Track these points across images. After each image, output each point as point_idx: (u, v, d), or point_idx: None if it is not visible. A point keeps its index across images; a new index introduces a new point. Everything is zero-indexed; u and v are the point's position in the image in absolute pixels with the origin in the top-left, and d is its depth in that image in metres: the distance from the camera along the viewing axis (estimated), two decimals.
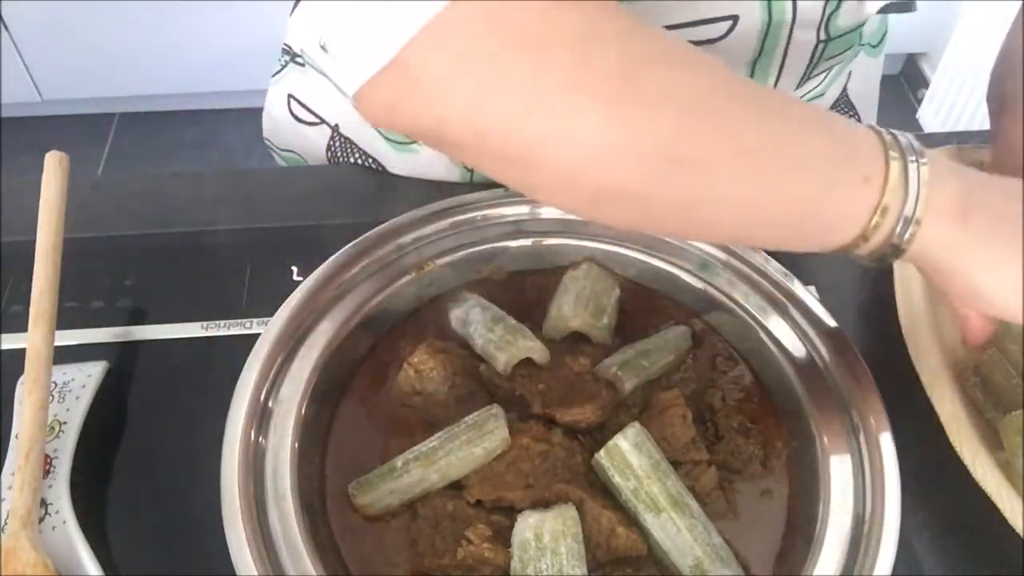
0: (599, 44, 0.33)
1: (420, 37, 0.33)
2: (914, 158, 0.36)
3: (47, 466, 0.49)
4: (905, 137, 0.37)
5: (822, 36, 0.59)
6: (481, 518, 0.46)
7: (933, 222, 0.36)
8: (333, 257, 0.55)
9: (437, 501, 0.47)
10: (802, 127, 0.35)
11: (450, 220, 0.58)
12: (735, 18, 0.56)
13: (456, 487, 0.48)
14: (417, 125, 0.36)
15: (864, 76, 0.74)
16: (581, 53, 0.33)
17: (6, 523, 0.45)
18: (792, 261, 0.59)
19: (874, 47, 0.72)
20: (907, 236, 0.36)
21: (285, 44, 0.81)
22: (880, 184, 0.35)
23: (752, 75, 0.60)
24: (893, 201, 0.35)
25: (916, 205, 0.35)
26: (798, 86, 0.64)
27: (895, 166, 0.35)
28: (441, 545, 0.46)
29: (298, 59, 0.79)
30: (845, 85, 0.72)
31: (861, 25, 0.60)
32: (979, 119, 1.76)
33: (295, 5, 0.82)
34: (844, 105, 0.74)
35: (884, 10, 0.59)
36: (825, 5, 0.57)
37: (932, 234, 0.36)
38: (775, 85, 0.62)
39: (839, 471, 0.47)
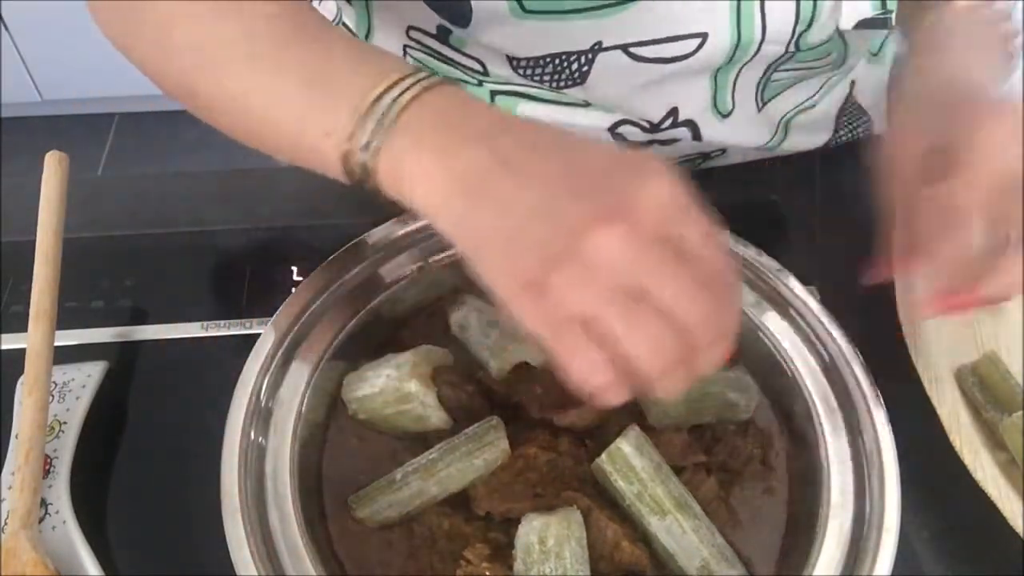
0: None
1: None
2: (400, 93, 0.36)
3: (47, 466, 0.49)
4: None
5: (791, 49, 0.59)
6: (478, 536, 0.46)
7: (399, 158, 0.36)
8: (333, 257, 0.54)
9: (433, 519, 0.46)
10: (284, 81, 0.39)
11: None
12: (704, 36, 0.57)
13: (455, 502, 0.47)
14: None
15: (871, 83, 0.74)
16: None
17: (6, 523, 0.45)
18: (793, 261, 0.59)
19: (875, 55, 0.72)
20: (367, 161, 0.37)
21: None
22: (343, 137, 0.37)
23: (715, 77, 0.61)
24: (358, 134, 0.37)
25: (373, 134, 0.37)
26: (763, 89, 0.65)
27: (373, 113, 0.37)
28: (440, 565, 0.45)
29: None
30: (850, 93, 0.72)
31: (831, 39, 0.60)
32: None
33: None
34: (855, 111, 0.74)
35: (859, 26, 0.59)
36: (795, 25, 0.57)
37: (390, 165, 0.37)
38: (734, 84, 0.62)
39: (839, 471, 0.47)
